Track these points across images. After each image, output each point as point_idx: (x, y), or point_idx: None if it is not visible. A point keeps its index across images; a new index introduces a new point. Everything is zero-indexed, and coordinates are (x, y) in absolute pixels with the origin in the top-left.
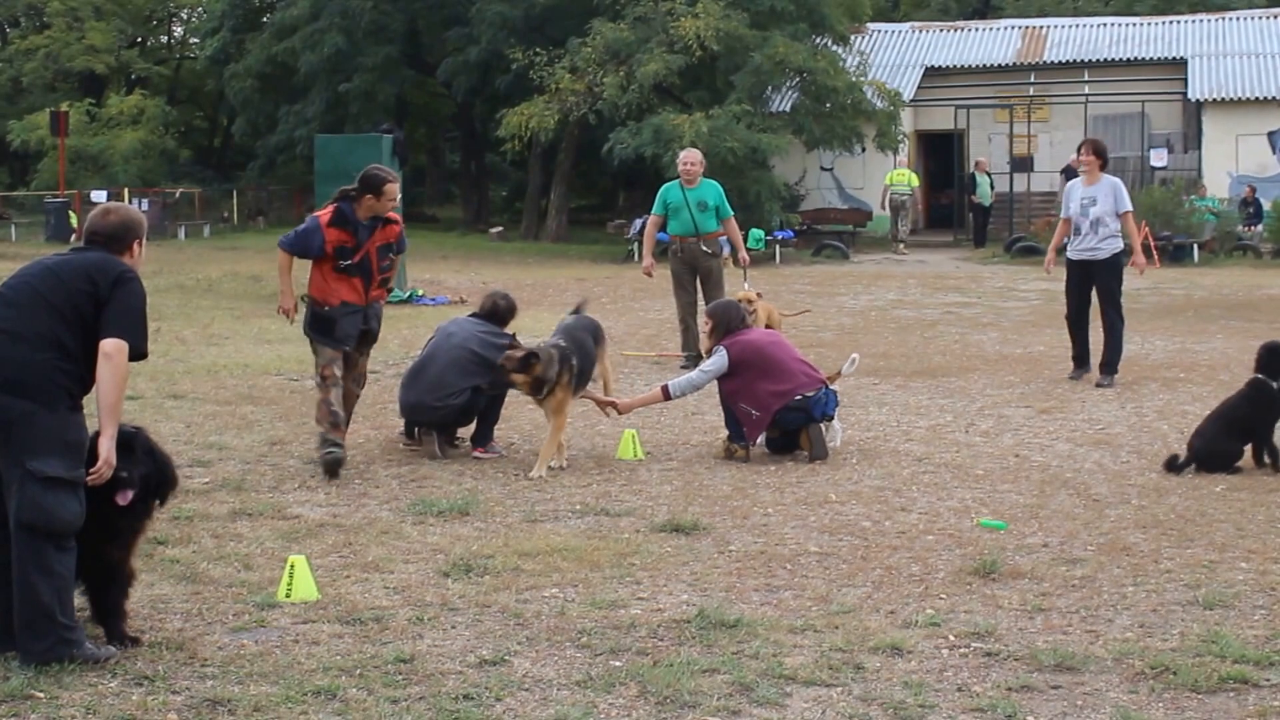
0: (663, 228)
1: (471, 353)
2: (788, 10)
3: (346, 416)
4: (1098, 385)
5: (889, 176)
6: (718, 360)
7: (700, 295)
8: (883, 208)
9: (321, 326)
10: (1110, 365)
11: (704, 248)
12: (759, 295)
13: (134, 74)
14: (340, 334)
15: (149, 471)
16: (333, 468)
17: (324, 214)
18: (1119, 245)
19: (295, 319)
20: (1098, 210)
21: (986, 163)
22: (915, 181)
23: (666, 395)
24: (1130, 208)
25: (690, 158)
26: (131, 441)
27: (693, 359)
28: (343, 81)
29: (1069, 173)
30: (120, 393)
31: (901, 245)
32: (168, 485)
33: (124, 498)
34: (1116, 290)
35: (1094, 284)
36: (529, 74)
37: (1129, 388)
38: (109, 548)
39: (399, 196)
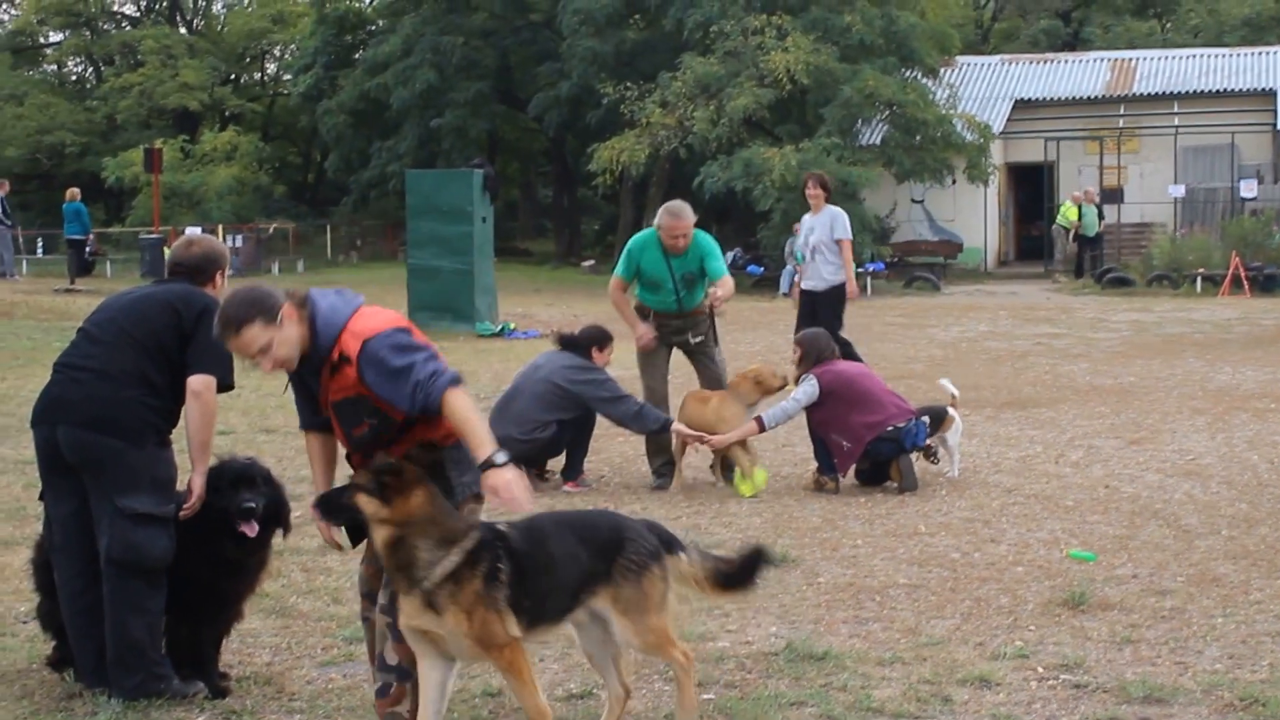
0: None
1: (556, 386)
2: (877, 44)
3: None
4: None
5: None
6: (808, 388)
7: (696, 374)
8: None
9: None
10: None
11: (691, 329)
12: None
13: (228, 111)
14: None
15: (270, 501)
16: None
17: None
18: (837, 277)
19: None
20: (815, 238)
21: (1093, 193)
22: (1072, 215)
23: (761, 427)
24: (847, 236)
25: (679, 227)
26: (250, 472)
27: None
28: (434, 117)
29: None
30: (210, 429)
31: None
32: (288, 514)
33: (250, 529)
34: (833, 321)
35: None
36: (620, 108)
37: (1219, 419)
38: (232, 583)
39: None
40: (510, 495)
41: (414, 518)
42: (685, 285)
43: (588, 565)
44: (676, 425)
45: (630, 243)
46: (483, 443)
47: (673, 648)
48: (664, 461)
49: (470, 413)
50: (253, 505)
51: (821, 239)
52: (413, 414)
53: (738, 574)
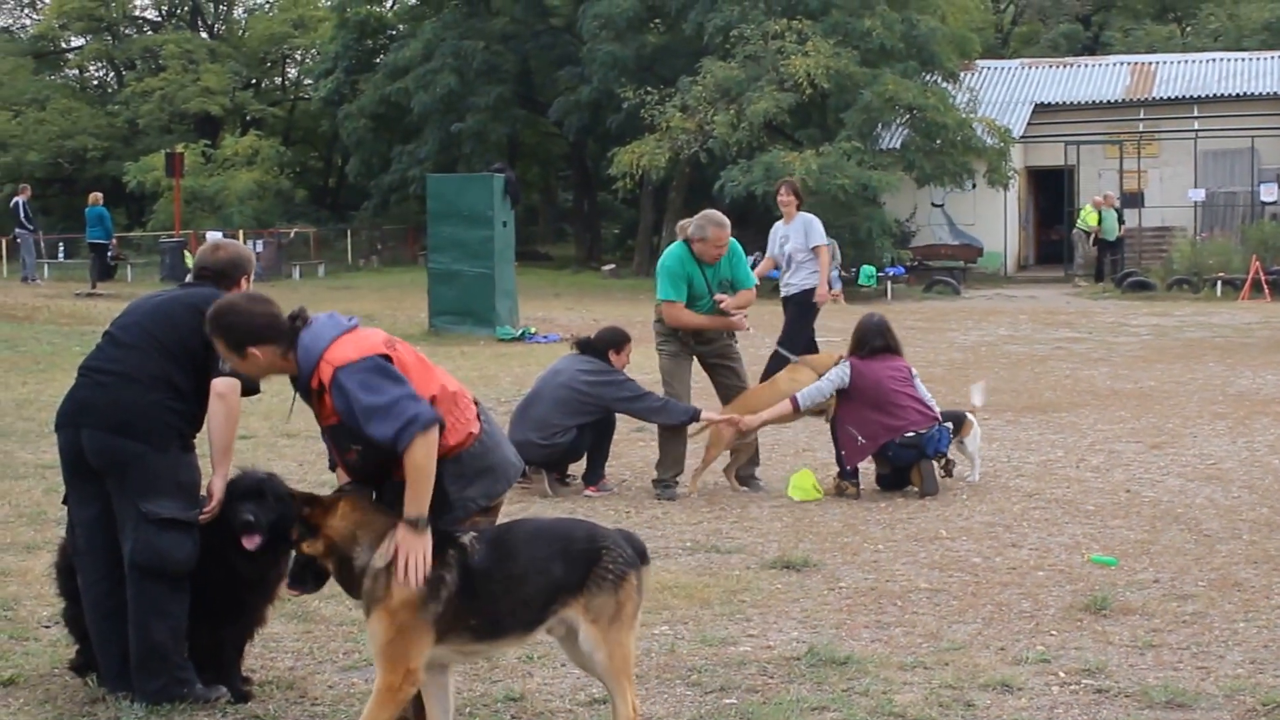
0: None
1: (575, 391)
2: (897, 48)
3: None
4: None
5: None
6: (840, 372)
7: (714, 385)
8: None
9: None
10: None
11: (716, 336)
12: None
13: (249, 115)
14: None
15: (281, 517)
16: None
17: None
18: (810, 282)
19: None
20: (790, 246)
21: (1113, 197)
22: (1092, 219)
23: (796, 408)
24: (822, 241)
25: (724, 238)
26: (262, 487)
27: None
28: (455, 121)
29: None
30: (233, 432)
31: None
32: None
33: (250, 541)
34: (793, 325)
35: None
36: (640, 113)
37: (1240, 423)
38: (250, 595)
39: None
40: (403, 561)
41: (342, 531)
42: (720, 290)
43: (561, 576)
44: (706, 414)
45: (669, 264)
46: (418, 500)
47: (628, 686)
48: (675, 474)
49: (428, 464)
50: (250, 518)
51: (797, 246)
52: (391, 448)
53: None
